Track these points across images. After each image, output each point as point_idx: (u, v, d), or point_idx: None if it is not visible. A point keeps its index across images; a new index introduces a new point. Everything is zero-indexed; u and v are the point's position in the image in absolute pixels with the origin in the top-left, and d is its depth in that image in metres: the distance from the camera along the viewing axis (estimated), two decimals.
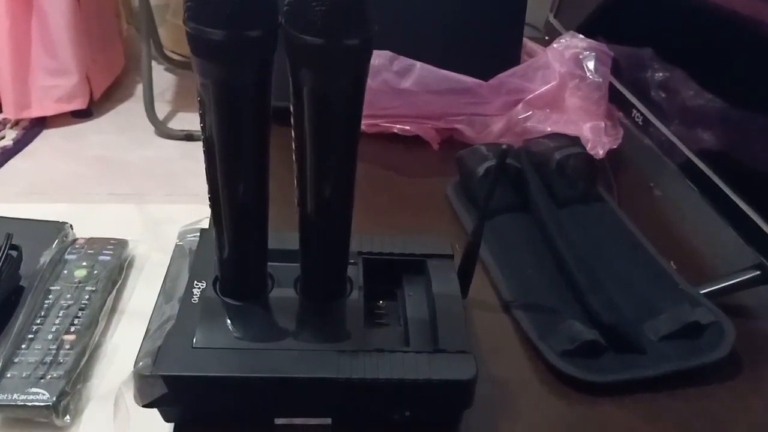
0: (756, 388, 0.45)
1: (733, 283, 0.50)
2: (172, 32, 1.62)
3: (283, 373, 0.37)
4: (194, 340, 0.38)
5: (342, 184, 0.37)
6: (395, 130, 0.68)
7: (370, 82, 0.63)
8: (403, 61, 0.61)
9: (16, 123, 1.36)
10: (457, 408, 0.40)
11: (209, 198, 0.38)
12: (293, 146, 0.36)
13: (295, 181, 0.38)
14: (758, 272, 0.50)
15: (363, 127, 0.70)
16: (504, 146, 0.42)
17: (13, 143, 1.32)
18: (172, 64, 1.65)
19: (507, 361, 0.46)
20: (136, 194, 1.29)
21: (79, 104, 1.38)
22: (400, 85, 0.61)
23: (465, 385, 0.38)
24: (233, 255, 0.40)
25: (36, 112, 1.34)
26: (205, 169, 0.37)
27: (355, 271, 0.44)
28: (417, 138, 0.68)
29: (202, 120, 0.34)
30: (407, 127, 0.67)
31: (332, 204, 0.38)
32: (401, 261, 0.47)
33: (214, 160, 0.36)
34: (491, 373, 0.45)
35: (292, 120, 0.36)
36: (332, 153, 0.36)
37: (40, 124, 1.37)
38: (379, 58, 0.60)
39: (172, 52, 1.64)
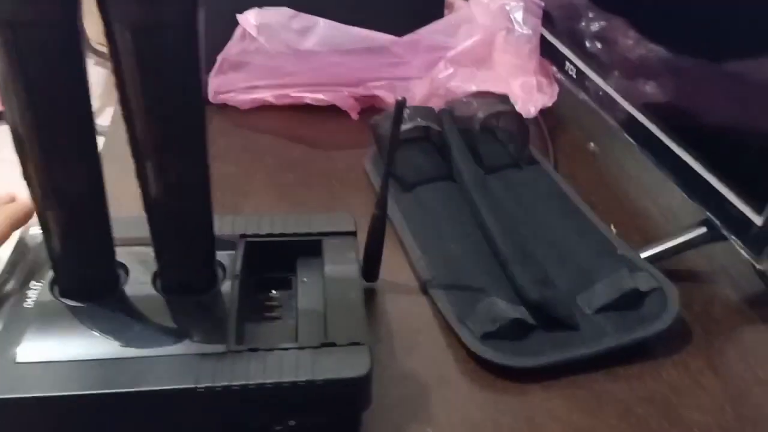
0: (710, 363, 0.39)
1: (678, 244, 0.45)
2: None
3: (128, 386, 0.30)
4: (16, 353, 0.31)
5: (189, 152, 0.30)
6: (308, 100, 0.61)
7: (267, 45, 0.56)
8: (304, 18, 0.54)
9: None
10: (352, 411, 0.33)
11: (24, 176, 0.30)
12: (118, 102, 0.29)
13: (130, 150, 0.31)
14: (704, 229, 0.44)
15: (270, 98, 0.63)
16: (399, 98, 0.36)
17: None
18: None
19: (424, 351, 0.40)
20: None
21: None
22: (302, 46, 0.54)
23: (357, 382, 0.31)
24: (66, 246, 0.32)
25: None
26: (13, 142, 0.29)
27: (231, 258, 0.37)
28: (333, 108, 0.61)
29: None
30: (321, 96, 0.60)
31: (180, 177, 0.31)
32: (295, 242, 0.40)
33: (18, 134, 0.28)
34: (406, 367, 0.39)
35: (112, 69, 0.29)
36: (167, 110, 0.29)
37: None
38: (275, 15, 0.53)
39: None
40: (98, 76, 1.62)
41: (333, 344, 0.33)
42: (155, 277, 0.35)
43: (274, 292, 0.40)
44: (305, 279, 0.39)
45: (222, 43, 0.57)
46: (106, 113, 1.43)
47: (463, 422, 0.36)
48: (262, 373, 0.31)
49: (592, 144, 0.60)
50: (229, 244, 0.38)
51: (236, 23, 0.55)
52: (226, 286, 0.35)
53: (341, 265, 0.38)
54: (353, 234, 0.40)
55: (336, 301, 0.35)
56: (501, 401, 0.37)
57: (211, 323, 0.34)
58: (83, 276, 0.33)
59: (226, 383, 0.30)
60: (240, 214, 0.40)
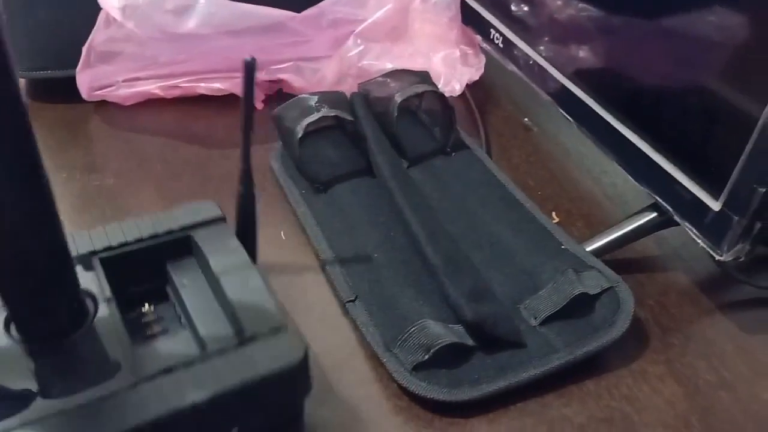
0: (671, 369, 0.35)
1: (626, 233, 0.40)
2: None
3: None
4: None
5: (7, 167, 0.23)
6: (202, 91, 0.52)
7: (139, 32, 0.47)
8: None
9: None
10: (297, 399, 0.29)
11: None
12: None
13: None
14: (654, 214, 0.39)
15: (157, 90, 0.54)
16: (248, 58, 0.29)
17: None
18: None
19: (347, 388, 0.33)
20: None
21: None
22: (181, 29, 0.45)
23: (299, 366, 0.27)
24: None
25: None
26: None
27: (94, 280, 0.30)
28: (233, 98, 0.53)
29: None
30: (217, 85, 0.52)
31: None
32: (157, 246, 0.33)
33: None
34: (326, 409, 0.32)
35: None
36: None
37: None
38: None
39: None
40: None
41: (254, 337, 0.27)
42: (7, 324, 0.27)
43: (146, 306, 0.33)
44: (185, 282, 0.32)
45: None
46: None
47: None
48: (200, 387, 0.25)
49: (526, 119, 0.54)
50: (85, 266, 0.31)
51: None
52: (102, 312, 0.28)
53: (227, 254, 0.32)
54: (222, 219, 0.34)
55: (239, 292, 0.29)
56: None
57: (101, 360, 0.27)
58: None
59: (151, 417, 0.24)
60: (92, 230, 0.32)
